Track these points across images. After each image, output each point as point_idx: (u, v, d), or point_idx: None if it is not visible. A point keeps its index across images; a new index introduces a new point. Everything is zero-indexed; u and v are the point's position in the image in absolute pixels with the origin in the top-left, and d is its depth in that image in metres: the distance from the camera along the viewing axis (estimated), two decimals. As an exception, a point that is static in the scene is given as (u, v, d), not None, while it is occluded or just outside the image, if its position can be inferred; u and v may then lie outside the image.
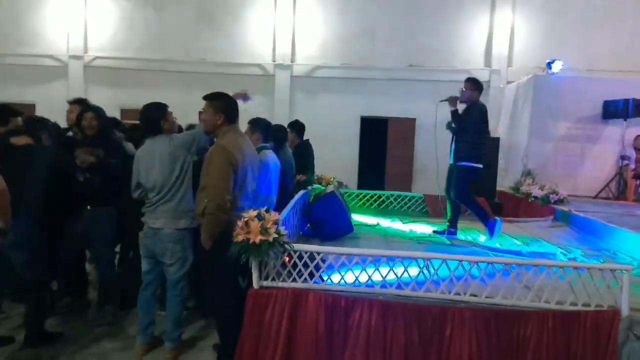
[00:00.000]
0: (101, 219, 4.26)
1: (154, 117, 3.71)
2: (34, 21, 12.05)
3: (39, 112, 10.36)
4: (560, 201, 6.94)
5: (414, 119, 11.73)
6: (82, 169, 4.12)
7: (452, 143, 5.48)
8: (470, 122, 5.27)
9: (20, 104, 11.40)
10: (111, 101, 11.44)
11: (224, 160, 3.30)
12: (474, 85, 5.37)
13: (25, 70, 11.94)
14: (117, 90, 11.88)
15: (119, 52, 12.00)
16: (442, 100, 5.49)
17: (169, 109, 3.85)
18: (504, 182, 9.08)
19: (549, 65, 8.98)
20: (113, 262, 4.57)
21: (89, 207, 4.26)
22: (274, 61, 11.87)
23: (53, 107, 9.09)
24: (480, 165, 5.33)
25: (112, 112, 10.16)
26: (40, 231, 3.90)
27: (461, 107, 5.47)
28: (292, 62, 11.85)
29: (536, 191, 7.31)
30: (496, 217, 5.43)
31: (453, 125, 5.45)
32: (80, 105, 4.76)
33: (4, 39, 12.00)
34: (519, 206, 7.72)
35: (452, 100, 5.43)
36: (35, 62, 12.00)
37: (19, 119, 4.12)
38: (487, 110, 5.39)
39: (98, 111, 4.40)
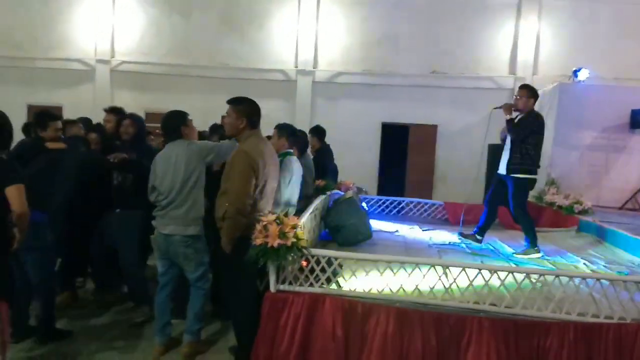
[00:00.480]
0: (127, 221, 4.41)
1: (175, 125, 3.84)
2: (64, 26, 12.35)
3: (66, 114, 10.60)
4: (585, 211, 6.78)
5: (436, 126, 11.65)
6: (115, 167, 4.28)
7: (502, 152, 5.23)
8: (528, 132, 4.98)
9: (48, 106, 11.79)
10: (136, 104, 11.63)
11: (245, 164, 3.32)
12: (530, 92, 5.10)
13: (54, 74, 12.23)
14: (142, 94, 12.08)
15: (145, 56, 12.20)
16: (495, 108, 5.30)
17: (190, 116, 3.96)
18: (527, 191, 8.94)
19: (575, 73, 8.84)
20: (137, 263, 4.64)
21: (118, 210, 4.45)
22: (296, 67, 11.93)
23: (80, 110, 9.32)
24: (536, 177, 5.11)
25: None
26: (58, 234, 4.02)
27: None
28: (314, 67, 11.90)
29: (560, 201, 7.18)
30: (541, 250, 5.06)
31: (506, 134, 5.16)
32: (116, 114, 4.97)
33: (34, 43, 12.33)
34: (542, 216, 7.58)
35: (507, 108, 5.15)
36: (64, 65, 12.28)
37: (59, 122, 4.24)
38: (544, 120, 5.12)
39: (135, 118, 4.63)
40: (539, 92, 9.66)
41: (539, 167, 5.10)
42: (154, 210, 3.82)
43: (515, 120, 5.08)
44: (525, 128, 4.99)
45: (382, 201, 7.55)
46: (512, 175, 5.05)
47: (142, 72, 12.13)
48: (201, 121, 6.68)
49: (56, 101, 12.03)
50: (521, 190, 5.10)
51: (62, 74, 12.26)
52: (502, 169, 5.20)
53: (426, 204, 7.51)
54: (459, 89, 11.39)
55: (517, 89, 11.29)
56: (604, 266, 4.63)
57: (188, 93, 11.74)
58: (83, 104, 11.70)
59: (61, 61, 12.24)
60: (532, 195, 8.27)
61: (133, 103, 11.72)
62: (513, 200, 5.11)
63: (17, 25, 12.33)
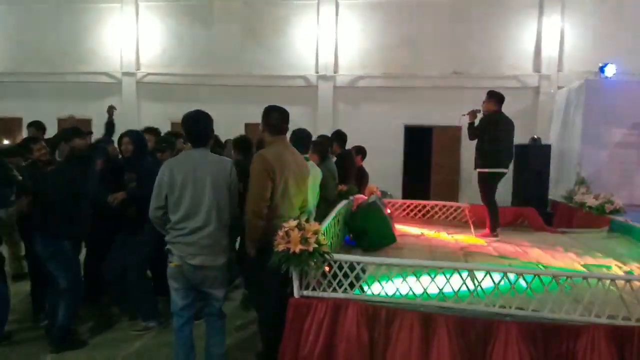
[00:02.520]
0: (133, 245, 4.48)
1: (209, 128, 3.44)
2: (91, 41, 12.73)
3: (95, 127, 10.88)
4: (616, 211, 6.61)
5: (460, 127, 11.49)
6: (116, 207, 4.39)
7: None
8: (480, 132, 5.77)
9: (78, 119, 12.12)
10: (162, 115, 11.91)
11: (261, 168, 3.34)
12: (490, 98, 5.84)
13: (83, 87, 12.61)
14: (167, 105, 12.33)
15: (169, 68, 12.46)
16: (463, 115, 6.04)
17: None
18: (557, 191, 8.76)
19: (601, 69, 8.63)
20: (141, 283, 4.65)
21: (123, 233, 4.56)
22: (317, 72, 12.00)
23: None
24: (496, 170, 5.75)
25: (163, 125, 10.54)
26: (67, 244, 4.15)
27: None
28: (334, 72, 11.94)
29: (590, 201, 7.02)
30: (497, 237, 5.81)
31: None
32: (153, 134, 5.37)
33: (64, 58, 12.73)
34: (572, 216, 7.42)
35: (471, 114, 5.97)
36: (91, 79, 12.66)
37: (41, 142, 4.74)
38: (499, 120, 5.76)
39: (132, 134, 4.64)
40: (565, 89, 9.57)
41: (500, 160, 5.75)
42: (170, 235, 3.32)
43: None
44: (478, 129, 5.81)
45: (406, 205, 7.49)
46: (476, 169, 5.91)
47: (166, 83, 12.41)
48: (225, 129, 6.78)
49: (85, 114, 12.34)
50: (482, 182, 5.87)
51: (90, 88, 12.63)
52: None
53: (451, 206, 7.41)
54: (482, 89, 11.16)
55: (542, 86, 11.23)
56: (637, 267, 4.50)
57: (211, 102, 11.85)
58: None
59: (89, 75, 12.63)
60: (561, 196, 8.14)
61: (159, 114, 11.99)
62: (480, 190, 5.94)
63: (47, 42, 12.77)
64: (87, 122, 11.87)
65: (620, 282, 3.01)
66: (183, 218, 3.24)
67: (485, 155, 5.70)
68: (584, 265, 4.60)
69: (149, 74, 12.55)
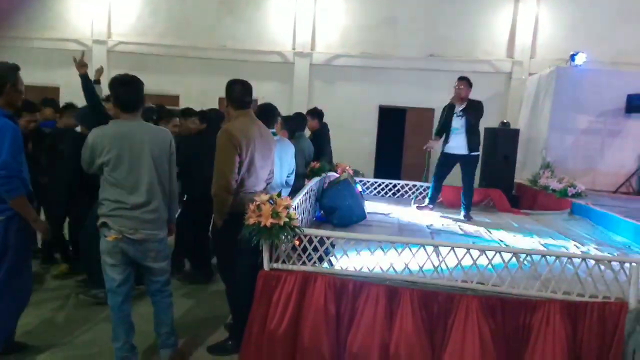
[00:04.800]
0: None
1: (141, 92, 3.24)
2: (60, 6, 12.26)
3: (63, 95, 10.60)
4: (578, 195, 6.86)
5: (433, 110, 11.64)
6: None
7: (451, 136, 5.93)
8: (480, 116, 5.81)
9: (45, 87, 11.76)
10: (133, 86, 11.64)
11: (227, 143, 3.35)
12: (469, 83, 5.86)
13: (51, 54, 12.15)
14: (139, 75, 11.76)
15: (142, 37, 12.13)
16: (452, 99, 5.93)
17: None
18: (522, 175, 9.01)
19: (572, 57, 8.84)
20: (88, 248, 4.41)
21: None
22: (293, 49, 11.89)
23: (76, 91, 9.29)
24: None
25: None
26: None
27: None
28: (311, 50, 11.85)
29: (554, 184, 7.25)
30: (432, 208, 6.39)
31: (459, 120, 5.86)
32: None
33: (31, 22, 12.24)
34: (536, 199, 7.67)
35: (458, 99, 5.88)
36: (60, 46, 12.19)
37: None
38: None
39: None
40: (536, 75, 9.77)
41: None
42: (106, 208, 3.08)
43: (464, 107, 5.81)
44: (479, 112, 5.80)
45: (377, 183, 7.61)
46: (473, 153, 5.88)
47: (139, 52, 12.08)
48: (198, 102, 6.70)
49: (53, 82, 11.98)
50: (475, 165, 6.04)
51: (58, 55, 12.15)
52: (460, 150, 5.88)
53: (421, 186, 7.56)
54: (456, 73, 11.30)
55: (514, 72, 11.42)
56: (594, 247, 4.71)
57: (185, 74, 11.71)
58: (79, 85, 11.65)
59: (58, 41, 12.17)
60: (527, 179, 8.38)
61: (130, 84, 11.70)
62: (472, 175, 6.03)
63: (12, 5, 12.24)
64: (55, 90, 11.55)
65: (577, 260, 3.16)
66: (129, 193, 3.06)
67: (479, 137, 5.93)
68: (544, 245, 4.79)
69: (121, 42, 12.20)
